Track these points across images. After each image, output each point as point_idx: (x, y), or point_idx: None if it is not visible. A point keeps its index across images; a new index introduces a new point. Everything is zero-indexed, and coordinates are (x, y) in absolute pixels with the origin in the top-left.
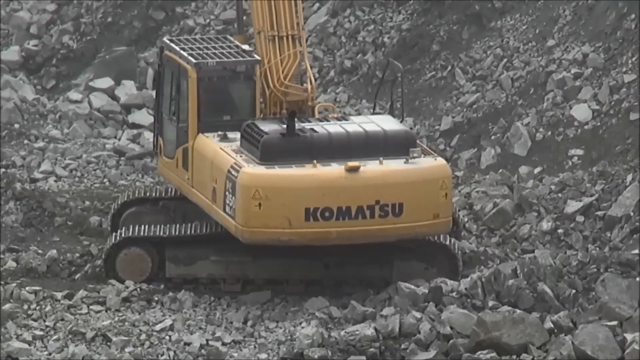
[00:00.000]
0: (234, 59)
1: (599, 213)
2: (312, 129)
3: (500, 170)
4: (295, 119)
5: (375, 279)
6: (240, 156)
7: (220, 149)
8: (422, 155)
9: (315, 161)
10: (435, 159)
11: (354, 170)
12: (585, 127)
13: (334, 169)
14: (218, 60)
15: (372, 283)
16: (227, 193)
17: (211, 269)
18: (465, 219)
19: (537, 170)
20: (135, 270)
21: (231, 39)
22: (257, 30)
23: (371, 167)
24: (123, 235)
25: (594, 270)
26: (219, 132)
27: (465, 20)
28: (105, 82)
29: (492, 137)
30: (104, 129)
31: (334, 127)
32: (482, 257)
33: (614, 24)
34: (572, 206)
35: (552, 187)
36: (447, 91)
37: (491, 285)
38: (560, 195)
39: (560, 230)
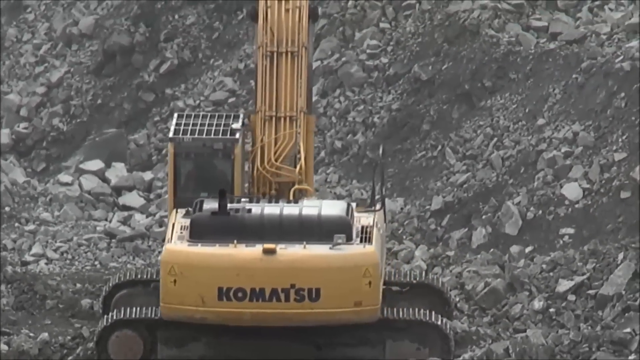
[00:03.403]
0: (211, 136)
1: (591, 292)
2: (249, 210)
3: (492, 250)
4: (244, 199)
5: None
6: (181, 232)
7: (171, 225)
8: (357, 242)
9: (235, 241)
10: (365, 247)
11: (270, 252)
12: (576, 205)
13: (251, 250)
14: (194, 136)
15: None
16: None
17: (203, 350)
18: (457, 299)
19: (528, 249)
20: (128, 352)
21: (241, 115)
22: (257, 110)
23: (289, 251)
24: (115, 317)
25: (586, 349)
26: (188, 208)
27: (455, 99)
28: (96, 165)
29: (483, 217)
30: (95, 211)
31: (272, 209)
32: (474, 336)
33: (604, 102)
34: (564, 285)
35: (544, 266)
36: (437, 171)
37: None
38: (551, 274)
39: (552, 310)
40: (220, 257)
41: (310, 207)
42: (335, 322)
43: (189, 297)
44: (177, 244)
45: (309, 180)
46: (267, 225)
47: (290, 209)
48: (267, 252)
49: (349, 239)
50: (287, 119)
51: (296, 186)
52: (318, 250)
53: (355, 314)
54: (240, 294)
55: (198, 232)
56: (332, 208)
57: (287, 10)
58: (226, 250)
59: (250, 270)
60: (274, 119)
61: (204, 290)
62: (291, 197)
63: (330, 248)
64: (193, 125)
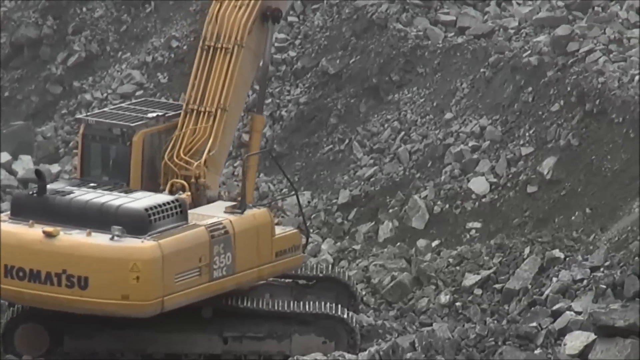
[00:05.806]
0: (111, 121)
1: (497, 286)
2: (67, 193)
3: (398, 244)
4: (92, 184)
5: (274, 353)
6: None
7: None
8: (146, 238)
9: (31, 221)
10: (143, 242)
11: (50, 235)
12: (483, 200)
13: (35, 231)
14: (97, 119)
15: (271, 357)
16: None
17: (109, 343)
18: (363, 293)
19: (435, 243)
20: (34, 345)
21: (181, 105)
22: (185, 101)
23: (70, 237)
24: (21, 309)
25: (492, 343)
26: None
27: (363, 93)
28: (3, 157)
29: (390, 211)
30: (2, 203)
31: (87, 195)
32: (380, 330)
33: (511, 97)
34: (470, 279)
35: (450, 260)
36: (344, 164)
37: (389, 358)
38: (458, 268)
39: (458, 303)
40: (8, 235)
41: (121, 199)
42: (102, 312)
43: None
44: None
45: (250, 179)
46: (74, 210)
47: (102, 198)
48: (47, 235)
49: (142, 233)
50: (207, 114)
51: (176, 180)
52: (95, 240)
53: (123, 307)
54: (21, 274)
55: (16, 210)
56: (140, 202)
57: (234, 7)
58: (17, 229)
59: (30, 251)
60: (195, 112)
61: None
62: (167, 191)
63: (110, 239)
64: (123, 110)
